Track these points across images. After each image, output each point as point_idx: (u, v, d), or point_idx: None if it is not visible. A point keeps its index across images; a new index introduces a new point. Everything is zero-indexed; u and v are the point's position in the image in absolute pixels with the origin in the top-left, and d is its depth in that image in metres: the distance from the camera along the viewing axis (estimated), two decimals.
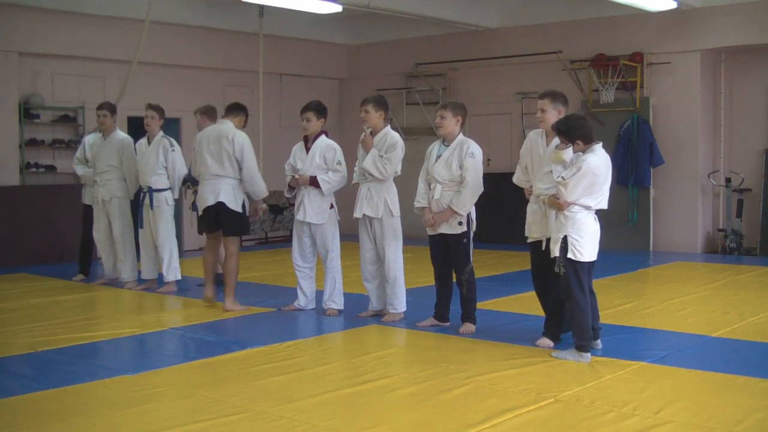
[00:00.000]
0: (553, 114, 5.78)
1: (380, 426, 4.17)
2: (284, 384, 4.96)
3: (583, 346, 5.43)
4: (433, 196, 6.34)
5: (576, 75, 11.93)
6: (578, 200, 5.35)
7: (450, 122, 6.29)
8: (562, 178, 5.37)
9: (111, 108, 8.70)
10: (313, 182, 6.98)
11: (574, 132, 5.37)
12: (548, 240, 5.71)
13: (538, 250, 5.88)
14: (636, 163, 11.55)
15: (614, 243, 11.39)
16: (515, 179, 6.14)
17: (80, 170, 9.07)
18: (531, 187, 5.94)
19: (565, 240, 5.37)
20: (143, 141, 8.48)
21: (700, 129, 11.49)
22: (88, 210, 9.07)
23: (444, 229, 6.33)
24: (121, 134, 8.76)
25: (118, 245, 8.62)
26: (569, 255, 5.36)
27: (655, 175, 11.64)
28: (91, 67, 11.41)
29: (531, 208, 5.94)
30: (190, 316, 7.15)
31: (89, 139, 9.16)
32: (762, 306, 7.31)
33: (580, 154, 5.41)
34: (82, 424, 4.25)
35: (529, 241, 5.98)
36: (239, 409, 4.44)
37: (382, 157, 6.64)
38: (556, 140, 5.70)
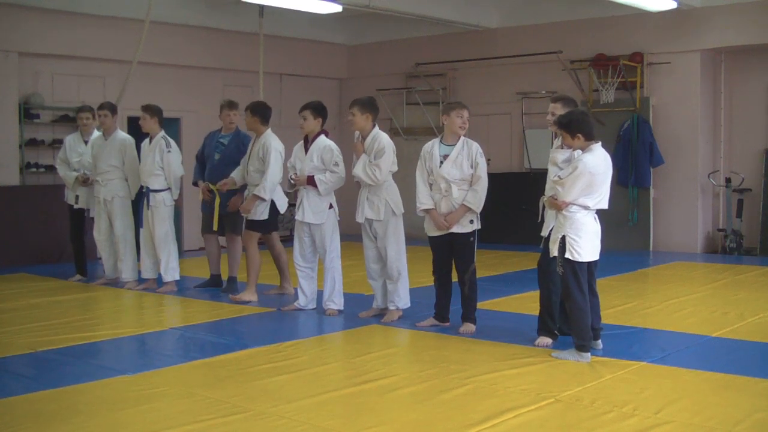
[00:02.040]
0: None
1: (380, 426, 4.18)
2: (284, 384, 4.96)
3: (583, 346, 5.43)
4: (450, 196, 6.31)
5: (576, 75, 11.93)
6: (576, 200, 5.34)
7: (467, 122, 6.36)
8: (559, 177, 5.37)
9: (111, 108, 8.68)
10: (311, 182, 6.99)
11: (575, 125, 5.37)
12: (545, 238, 5.76)
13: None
14: (636, 163, 11.55)
15: (614, 243, 11.37)
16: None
17: (62, 171, 9.08)
18: None
19: (563, 240, 5.38)
20: (146, 141, 8.49)
21: (700, 129, 11.49)
22: (72, 211, 9.10)
23: (454, 228, 6.34)
24: (123, 134, 8.75)
25: (119, 245, 8.62)
26: (567, 255, 5.36)
27: (655, 175, 11.64)
28: (91, 67, 11.41)
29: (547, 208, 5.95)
30: (190, 316, 7.16)
31: (70, 139, 9.20)
32: (762, 306, 7.31)
33: (578, 153, 5.42)
34: (82, 424, 4.25)
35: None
36: (239, 409, 4.44)
37: (371, 162, 6.65)
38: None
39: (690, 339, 6.11)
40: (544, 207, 5.88)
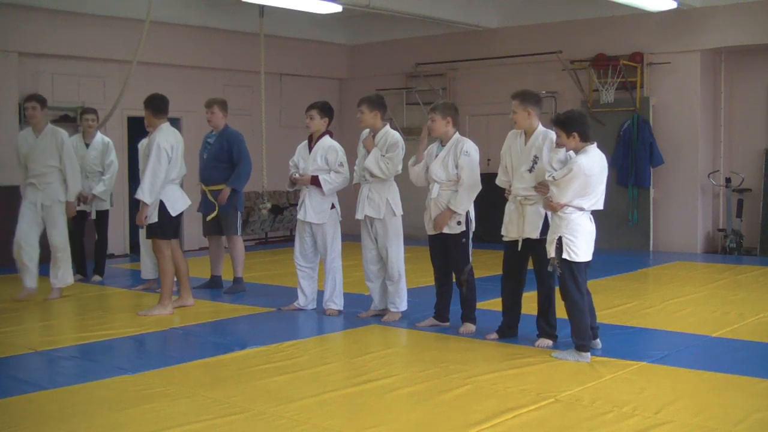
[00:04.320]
0: (522, 115, 5.83)
1: (380, 426, 4.18)
2: (284, 384, 4.96)
3: (582, 345, 5.43)
4: (430, 196, 6.35)
5: (576, 75, 11.93)
6: (571, 201, 5.34)
7: (440, 124, 6.32)
8: (553, 178, 5.36)
9: (41, 100, 7.85)
10: (315, 182, 6.99)
11: (572, 123, 5.38)
12: (524, 240, 5.81)
13: (514, 250, 5.92)
14: (636, 163, 11.55)
15: (614, 243, 11.39)
16: (497, 181, 6.16)
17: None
18: (510, 187, 5.97)
19: (560, 241, 5.37)
20: (144, 141, 8.47)
21: (700, 129, 11.48)
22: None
23: (443, 229, 6.34)
24: (54, 128, 7.91)
25: (56, 253, 7.79)
26: (564, 255, 5.36)
27: (655, 175, 11.64)
28: (91, 67, 11.41)
29: (509, 208, 5.98)
30: (190, 316, 7.15)
31: (72, 141, 9.01)
32: (762, 306, 7.31)
33: (572, 155, 5.42)
34: (82, 424, 4.25)
35: (504, 239, 6.02)
36: (239, 409, 4.44)
37: (384, 156, 6.66)
38: (534, 139, 5.79)
39: (690, 339, 6.12)
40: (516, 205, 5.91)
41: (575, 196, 5.33)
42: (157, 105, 7.19)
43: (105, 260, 9.33)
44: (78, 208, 9.01)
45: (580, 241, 5.38)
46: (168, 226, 7.14)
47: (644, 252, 11.53)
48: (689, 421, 4.19)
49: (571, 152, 5.45)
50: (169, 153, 7.00)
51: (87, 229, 9.23)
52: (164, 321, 6.99)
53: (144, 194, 6.90)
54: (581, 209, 5.38)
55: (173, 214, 7.13)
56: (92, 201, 8.96)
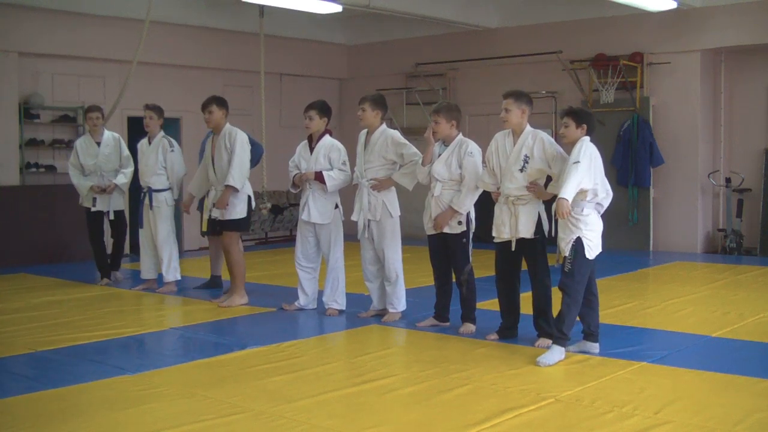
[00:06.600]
0: (516, 113, 5.83)
1: (380, 426, 4.18)
2: (284, 384, 4.96)
3: (564, 338, 5.45)
4: (432, 195, 6.36)
5: (576, 75, 11.93)
6: (595, 181, 5.34)
7: (444, 127, 6.32)
8: (578, 162, 5.32)
9: None
10: (318, 177, 6.99)
11: (584, 115, 5.51)
12: (518, 240, 5.82)
13: (507, 251, 5.92)
14: (636, 163, 11.55)
15: (614, 243, 11.36)
16: (484, 185, 6.15)
17: (75, 179, 8.82)
18: (498, 190, 5.97)
19: (578, 241, 5.38)
20: (144, 141, 8.48)
21: (700, 129, 11.49)
22: (90, 214, 8.87)
23: (444, 229, 6.35)
24: None
25: None
26: (587, 255, 5.40)
27: (655, 175, 11.64)
28: (91, 67, 11.41)
29: (499, 209, 5.95)
30: (190, 316, 7.16)
31: (81, 142, 8.90)
32: (762, 306, 7.31)
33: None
34: (82, 424, 4.25)
35: (496, 241, 6.01)
36: (239, 409, 4.44)
37: (408, 165, 6.62)
38: (524, 139, 5.79)
39: (690, 339, 6.12)
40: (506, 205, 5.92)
41: (596, 175, 5.35)
42: (227, 106, 7.64)
43: (121, 259, 9.27)
44: (93, 209, 8.89)
45: (596, 239, 5.46)
46: (250, 220, 7.75)
47: (644, 252, 11.54)
48: (689, 421, 4.19)
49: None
50: (249, 147, 7.51)
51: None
52: (165, 321, 7.00)
53: (235, 180, 7.30)
54: (600, 205, 5.46)
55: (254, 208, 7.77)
56: (112, 190, 8.77)
